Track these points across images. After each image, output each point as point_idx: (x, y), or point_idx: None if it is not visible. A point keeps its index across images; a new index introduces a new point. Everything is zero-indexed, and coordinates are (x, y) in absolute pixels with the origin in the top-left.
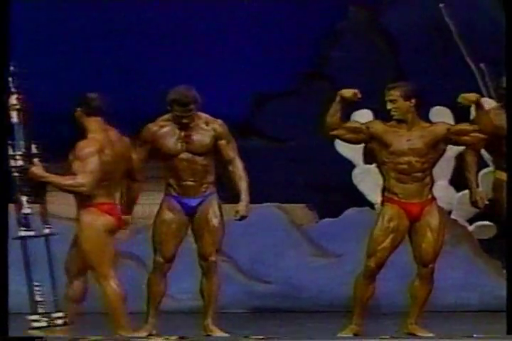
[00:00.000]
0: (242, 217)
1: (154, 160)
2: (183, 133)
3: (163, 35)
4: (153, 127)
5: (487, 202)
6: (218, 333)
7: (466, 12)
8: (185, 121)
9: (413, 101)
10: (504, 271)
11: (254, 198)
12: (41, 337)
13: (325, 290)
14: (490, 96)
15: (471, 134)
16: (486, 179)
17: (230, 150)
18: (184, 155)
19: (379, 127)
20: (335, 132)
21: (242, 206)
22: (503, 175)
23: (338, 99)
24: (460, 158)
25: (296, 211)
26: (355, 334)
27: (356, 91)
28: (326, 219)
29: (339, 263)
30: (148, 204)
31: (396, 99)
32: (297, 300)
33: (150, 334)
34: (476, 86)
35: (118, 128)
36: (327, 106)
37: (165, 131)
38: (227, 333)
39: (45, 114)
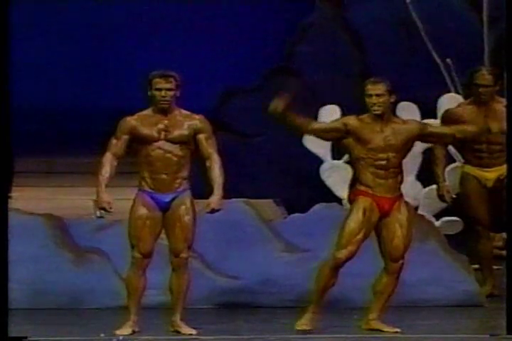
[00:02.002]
0: (214, 210)
1: (129, 155)
2: (162, 125)
3: (132, 32)
4: (131, 119)
5: (454, 196)
6: (186, 329)
7: (433, 7)
8: (165, 104)
9: (393, 97)
10: (471, 266)
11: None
12: (25, 337)
13: (293, 285)
14: (457, 92)
15: (441, 137)
16: (453, 174)
17: (209, 146)
18: (161, 144)
19: (355, 123)
20: (315, 135)
21: (214, 199)
22: (471, 170)
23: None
24: (427, 153)
25: (264, 206)
26: (312, 322)
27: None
28: (294, 215)
29: (307, 259)
30: (117, 199)
31: (383, 94)
32: (265, 296)
33: (133, 332)
34: (443, 81)
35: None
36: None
37: (144, 121)
38: (195, 329)
39: (41, 111)
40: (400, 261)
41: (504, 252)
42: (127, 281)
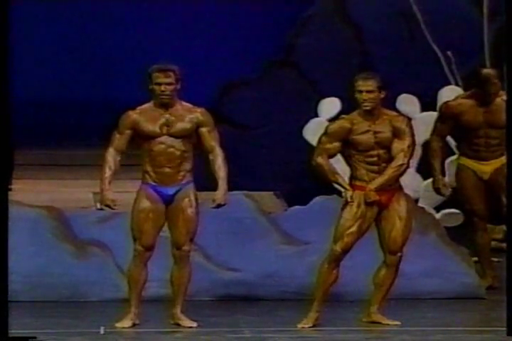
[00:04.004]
0: (219, 205)
1: (129, 148)
2: (164, 119)
3: (132, 26)
4: (133, 113)
5: (450, 189)
6: (186, 321)
7: (433, 0)
8: (165, 99)
9: (384, 92)
10: (472, 259)
11: None
12: (35, 337)
13: (293, 278)
14: (457, 84)
15: (392, 151)
16: (453, 166)
17: (212, 139)
18: (163, 139)
19: (345, 129)
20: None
21: (219, 194)
22: (467, 162)
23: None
24: (426, 145)
25: (265, 199)
26: (315, 321)
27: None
28: (295, 207)
29: (307, 251)
30: (116, 192)
31: (374, 90)
32: (265, 288)
33: (133, 324)
34: (443, 73)
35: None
36: None
37: (146, 116)
38: (195, 321)
39: (38, 104)
40: (398, 254)
41: (504, 245)
42: (129, 274)
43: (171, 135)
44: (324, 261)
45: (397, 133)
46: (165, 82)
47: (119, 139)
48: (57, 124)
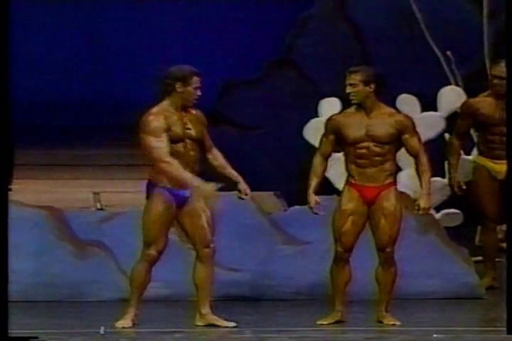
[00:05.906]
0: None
1: (130, 148)
2: (183, 121)
3: (132, 27)
4: (160, 118)
5: (464, 188)
6: (224, 322)
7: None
8: (196, 102)
9: (372, 86)
10: (472, 259)
11: (222, 186)
12: (36, 337)
13: (293, 278)
14: (457, 84)
15: (408, 149)
16: (460, 166)
17: (208, 139)
18: (186, 142)
19: (338, 122)
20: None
21: (245, 184)
22: (484, 161)
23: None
24: (427, 144)
25: (265, 199)
26: (338, 321)
27: None
28: (294, 207)
29: (307, 251)
30: (117, 192)
31: (356, 84)
32: (265, 288)
33: (134, 324)
34: (443, 74)
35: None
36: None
37: (170, 119)
38: (193, 321)
39: (42, 103)
40: (386, 250)
41: (504, 244)
42: (135, 276)
43: (190, 138)
44: (332, 261)
45: (402, 130)
46: (200, 86)
47: (161, 140)
48: (57, 124)
